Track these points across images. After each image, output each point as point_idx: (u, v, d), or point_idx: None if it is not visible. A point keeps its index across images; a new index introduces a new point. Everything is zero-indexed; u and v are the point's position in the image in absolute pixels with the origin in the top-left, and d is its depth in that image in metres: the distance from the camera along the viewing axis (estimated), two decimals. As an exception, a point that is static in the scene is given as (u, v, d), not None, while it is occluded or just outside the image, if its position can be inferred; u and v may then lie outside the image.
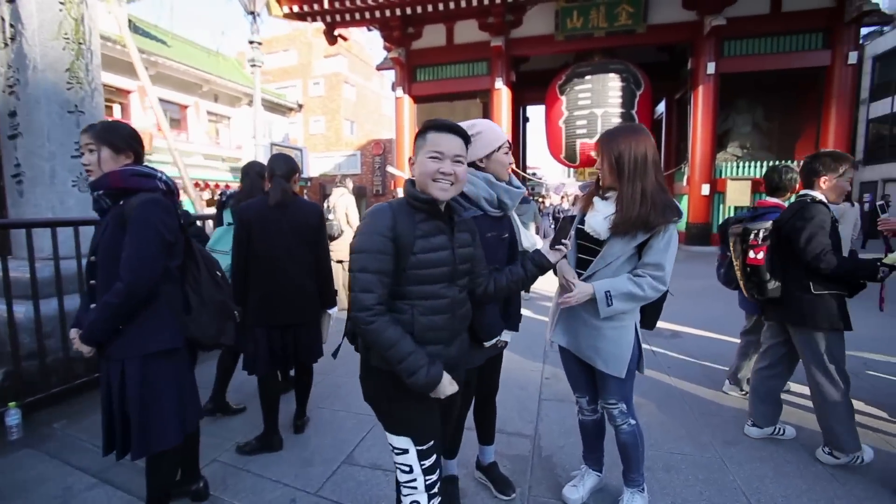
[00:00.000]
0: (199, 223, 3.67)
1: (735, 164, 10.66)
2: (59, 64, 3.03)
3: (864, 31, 12.18)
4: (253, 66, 4.72)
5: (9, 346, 2.65)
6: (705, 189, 10.26)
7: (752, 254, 2.18)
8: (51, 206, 3.06)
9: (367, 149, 23.22)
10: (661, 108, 14.27)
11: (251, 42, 4.70)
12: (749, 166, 10.49)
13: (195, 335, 1.63)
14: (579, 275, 1.66)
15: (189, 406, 1.66)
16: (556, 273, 1.69)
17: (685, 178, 11.00)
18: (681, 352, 3.63)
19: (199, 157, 17.20)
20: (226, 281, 1.83)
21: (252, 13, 4.68)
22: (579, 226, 1.66)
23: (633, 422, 1.70)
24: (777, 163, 10.21)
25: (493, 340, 1.64)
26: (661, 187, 1.54)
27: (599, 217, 1.60)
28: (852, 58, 9.25)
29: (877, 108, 17.96)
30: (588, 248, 1.66)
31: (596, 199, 1.65)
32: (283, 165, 2.31)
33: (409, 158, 1.32)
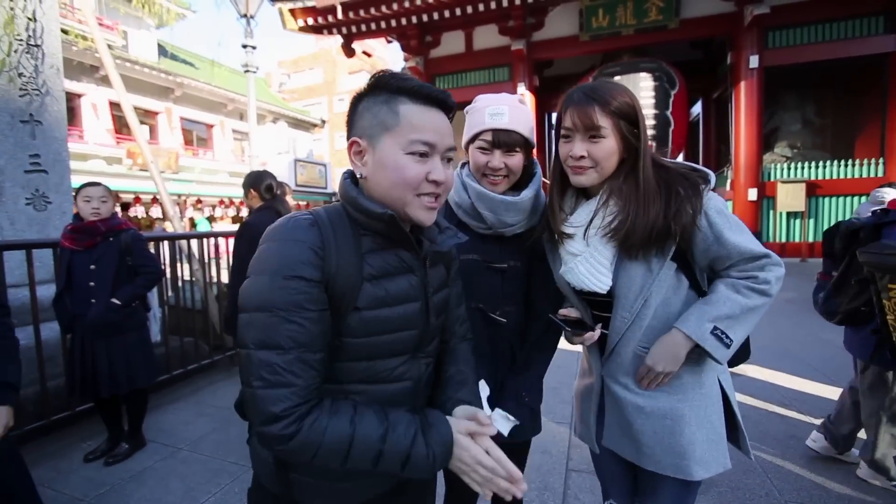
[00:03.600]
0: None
1: (785, 165, 9.66)
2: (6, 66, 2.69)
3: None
4: (247, 70, 4.37)
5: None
6: (752, 194, 9.30)
7: None
8: (-1, 227, 2.71)
9: (390, 162, 23.20)
10: (696, 109, 13.36)
11: (245, 46, 4.36)
12: (801, 167, 9.46)
13: None
14: (601, 348, 1.07)
15: None
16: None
17: (728, 182, 10.07)
18: (749, 397, 2.86)
19: (225, 175, 17.44)
20: None
21: (245, 16, 4.34)
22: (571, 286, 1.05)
23: None
24: (834, 163, 9.19)
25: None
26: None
27: (589, 259, 0.99)
28: (922, 42, 8.20)
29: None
30: (594, 303, 1.05)
31: (569, 242, 1.03)
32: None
33: (353, 143, 0.75)
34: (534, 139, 1.11)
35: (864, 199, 4.37)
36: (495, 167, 1.07)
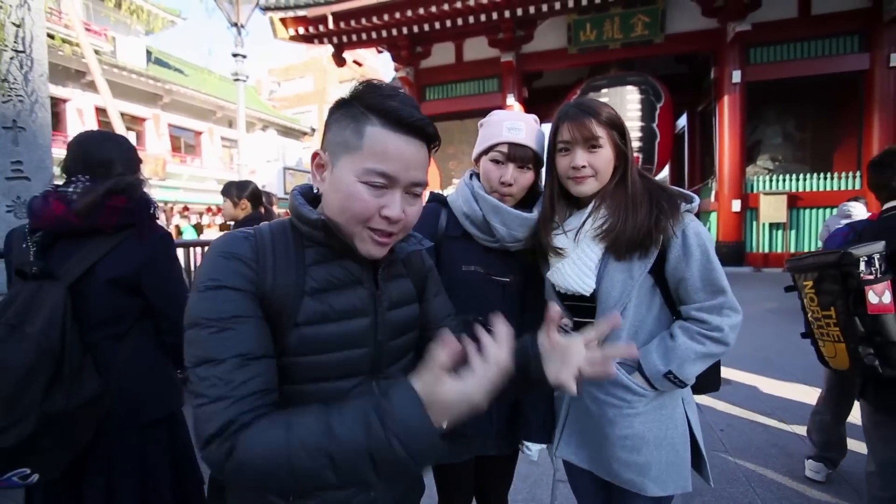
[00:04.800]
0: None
1: (767, 177, 9.90)
2: (-9, 74, 2.65)
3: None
4: (236, 79, 4.37)
5: None
6: (736, 205, 9.50)
7: (871, 295, 1.35)
8: (-22, 235, 2.65)
9: (380, 171, 23.23)
10: (681, 122, 13.66)
11: (235, 55, 4.36)
12: (782, 180, 9.70)
13: None
14: None
15: None
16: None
17: (713, 193, 10.28)
18: (732, 406, 2.92)
19: (213, 182, 17.28)
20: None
21: (235, 25, 4.35)
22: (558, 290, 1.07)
23: None
24: (814, 175, 9.44)
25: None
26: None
27: (575, 261, 1.02)
28: (894, 60, 8.51)
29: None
30: (577, 308, 1.08)
31: (557, 237, 1.06)
32: None
33: (315, 155, 0.71)
34: (543, 159, 1.13)
35: (842, 211, 4.48)
36: (507, 181, 1.08)
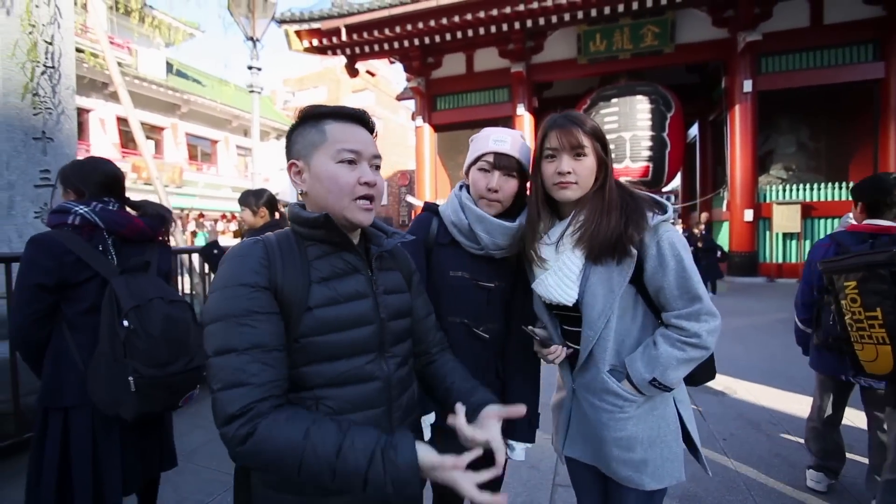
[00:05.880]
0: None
1: (781, 187, 9.79)
2: (21, 88, 2.81)
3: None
4: (251, 91, 4.53)
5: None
6: (748, 215, 9.40)
7: None
8: (7, 239, 2.79)
9: (394, 180, 23.43)
10: (693, 131, 13.60)
11: (250, 67, 4.52)
12: (796, 189, 9.59)
13: (91, 396, 1.39)
14: (571, 365, 1.15)
15: (113, 473, 1.45)
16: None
17: (724, 203, 10.19)
18: (736, 416, 2.92)
19: (228, 190, 17.65)
20: (148, 340, 1.36)
21: (251, 39, 4.52)
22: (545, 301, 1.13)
23: None
24: (829, 185, 9.32)
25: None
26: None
27: (557, 272, 1.07)
28: (910, 69, 8.41)
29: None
30: (565, 318, 1.14)
31: (542, 247, 1.10)
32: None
33: (292, 164, 0.84)
34: (529, 170, 1.20)
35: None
36: (493, 187, 1.16)
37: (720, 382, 3.45)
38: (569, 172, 1.03)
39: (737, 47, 9.12)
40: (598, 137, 1.05)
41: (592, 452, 1.14)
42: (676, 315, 1.01)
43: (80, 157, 1.71)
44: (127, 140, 14.64)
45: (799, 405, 2.97)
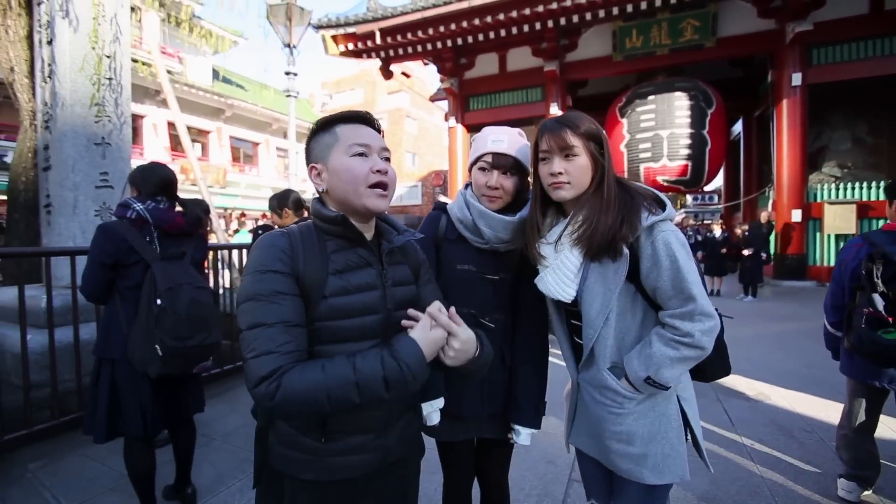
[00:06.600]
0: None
1: (833, 185, 9.21)
2: (87, 99, 3.10)
3: None
4: (288, 96, 4.76)
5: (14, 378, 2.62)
6: (796, 215, 8.90)
7: None
8: (72, 235, 3.08)
9: (428, 180, 23.70)
10: (737, 127, 13.00)
11: (287, 73, 4.75)
12: (851, 188, 9.00)
13: (129, 355, 1.73)
14: (578, 358, 1.18)
15: (148, 411, 1.79)
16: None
17: (770, 202, 9.70)
18: (768, 422, 2.82)
19: (268, 190, 18.37)
20: (174, 317, 1.69)
21: (288, 46, 4.74)
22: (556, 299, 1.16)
23: None
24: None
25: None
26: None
27: (556, 270, 1.11)
28: (984, 57, 7.71)
29: None
30: (570, 312, 1.18)
31: (542, 246, 1.15)
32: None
33: (312, 167, 0.95)
34: (529, 167, 1.25)
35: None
36: (492, 185, 1.22)
37: (753, 387, 3.34)
38: (560, 173, 1.07)
39: (785, 38, 8.66)
40: (593, 138, 1.08)
41: (595, 445, 1.18)
42: (671, 314, 1.02)
43: (144, 163, 2.00)
44: (176, 143, 15.56)
45: (839, 414, 2.84)
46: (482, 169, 1.24)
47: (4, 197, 4.07)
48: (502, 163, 1.21)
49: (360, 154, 0.90)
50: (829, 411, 2.91)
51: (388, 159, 0.95)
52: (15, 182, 3.53)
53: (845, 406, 2.06)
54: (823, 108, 9.19)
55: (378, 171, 0.90)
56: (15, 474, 2.23)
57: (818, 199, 9.13)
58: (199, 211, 1.95)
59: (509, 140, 1.22)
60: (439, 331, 0.84)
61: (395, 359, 0.79)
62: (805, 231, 9.05)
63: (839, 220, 8.82)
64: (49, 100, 3.08)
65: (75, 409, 2.66)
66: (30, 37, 3.34)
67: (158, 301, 1.67)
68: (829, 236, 8.97)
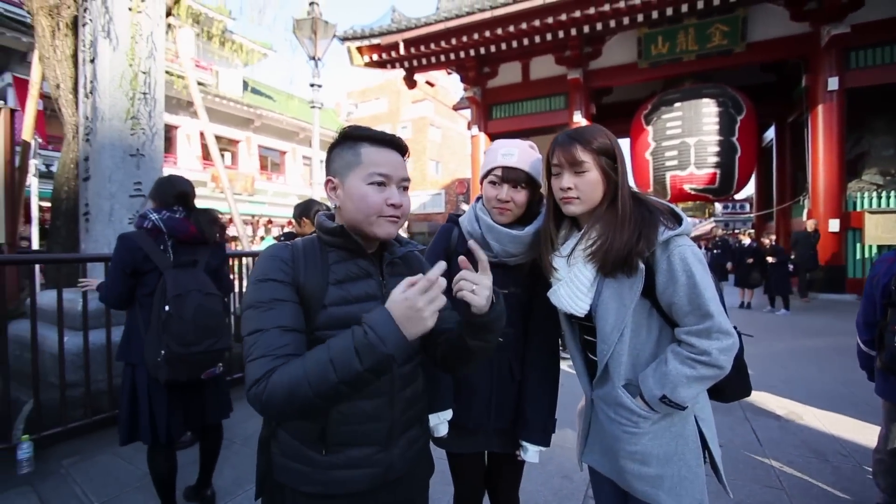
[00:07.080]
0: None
1: (875, 194, 8.76)
2: (124, 113, 3.27)
3: None
4: (313, 107, 4.89)
5: (47, 377, 2.75)
6: (834, 225, 8.51)
7: None
8: (108, 241, 3.23)
9: (452, 187, 23.85)
10: (769, 134, 12.57)
11: (312, 84, 4.89)
12: (895, 196, 8.54)
13: (144, 360, 1.80)
14: (592, 374, 1.16)
15: (161, 417, 1.83)
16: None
17: (805, 211, 9.31)
18: (799, 444, 2.69)
19: (294, 198, 18.82)
20: (181, 323, 1.75)
21: (313, 58, 4.88)
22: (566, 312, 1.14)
23: None
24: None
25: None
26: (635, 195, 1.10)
27: (568, 283, 1.10)
28: None
29: None
30: (584, 327, 1.16)
31: (555, 259, 1.13)
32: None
33: (329, 181, 0.94)
34: (540, 180, 1.25)
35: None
36: (502, 199, 1.23)
37: (783, 406, 3.19)
38: (570, 188, 1.07)
39: (819, 42, 8.36)
40: (605, 153, 1.07)
41: (609, 464, 1.15)
42: (687, 332, 1.00)
43: (164, 174, 2.10)
44: (208, 153, 16.06)
45: (875, 436, 2.68)
46: (492, 182, 1.25)
47: (49, 204, 4.32)
48: (512, 176, 1.22)
49: (379, 183, 0.89)
50: (867, 434, 2.76)
51: (406, 188, 0.94)
52: (58, 191, 3.73)
53: (882, 429, 1.95)
54: (863, 113, 8.79)
55: (392, 205, 0.89)
56: (50, 469, 2.34)
57: (858, 208, 8.71)
58: (204, 220, 1.99)
59: (520, 153, 1.22)
60: (412, 290, 0.74)
61: (363, 325, 0.75)
62: (843, 241, 8.64)
63: (881, 229, 8.38)
64: (90, 114, 3.26)
65: (106, 409, 2.78)
66: (74, 55, 3.54)
67: (167, 307, 1.74)
68: (870, 247, 8.53)
